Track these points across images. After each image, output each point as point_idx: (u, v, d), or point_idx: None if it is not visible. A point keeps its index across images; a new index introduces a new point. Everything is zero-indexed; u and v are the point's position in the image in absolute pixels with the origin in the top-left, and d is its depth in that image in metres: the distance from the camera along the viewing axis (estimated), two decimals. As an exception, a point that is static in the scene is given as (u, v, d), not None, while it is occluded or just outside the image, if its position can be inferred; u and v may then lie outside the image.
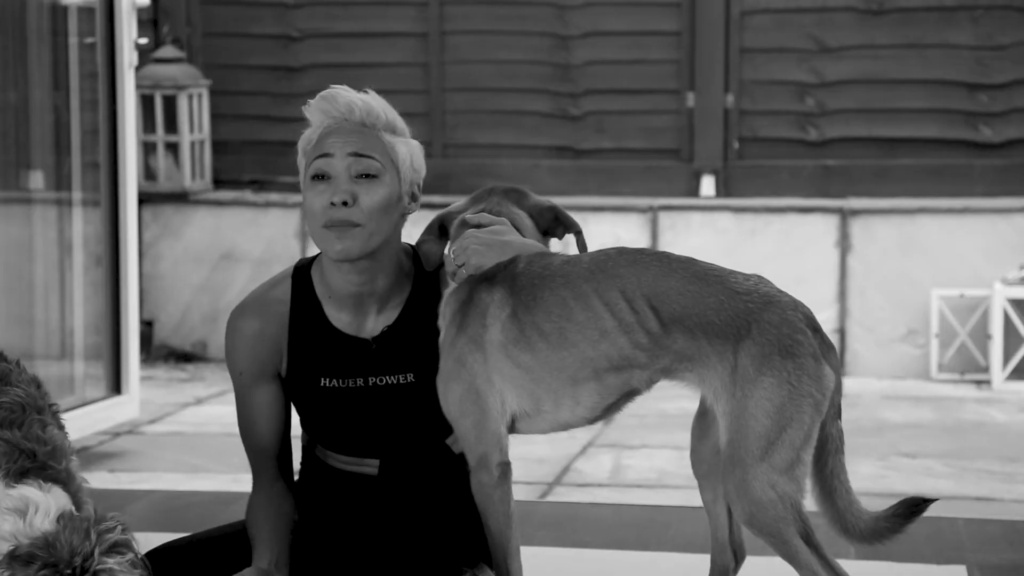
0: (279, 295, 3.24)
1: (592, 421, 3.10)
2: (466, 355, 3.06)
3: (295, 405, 3.29)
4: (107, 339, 6.31)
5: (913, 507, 3.01)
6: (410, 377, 3.21)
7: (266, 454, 3.27)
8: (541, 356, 3.02)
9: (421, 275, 3.25)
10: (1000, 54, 8.31)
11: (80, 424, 5.76)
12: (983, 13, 8.31)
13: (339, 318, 3.22)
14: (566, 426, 3.11)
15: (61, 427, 3.06)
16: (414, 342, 3.21)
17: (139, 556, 2.83)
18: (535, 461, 6.07)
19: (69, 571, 2.72)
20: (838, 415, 3.00)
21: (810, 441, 2.93)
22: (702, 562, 4.12)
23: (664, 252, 3.05)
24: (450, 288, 3.15)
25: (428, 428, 3.24)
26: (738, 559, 3.19)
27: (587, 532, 4.42)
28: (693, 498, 5.51)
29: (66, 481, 2.91)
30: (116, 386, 6.32)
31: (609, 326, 2.98)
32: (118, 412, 6.30)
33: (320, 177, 3.13)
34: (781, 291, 2.99)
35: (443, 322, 3.13)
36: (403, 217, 3.19)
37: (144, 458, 6.20)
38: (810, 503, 2.99)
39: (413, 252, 3.28)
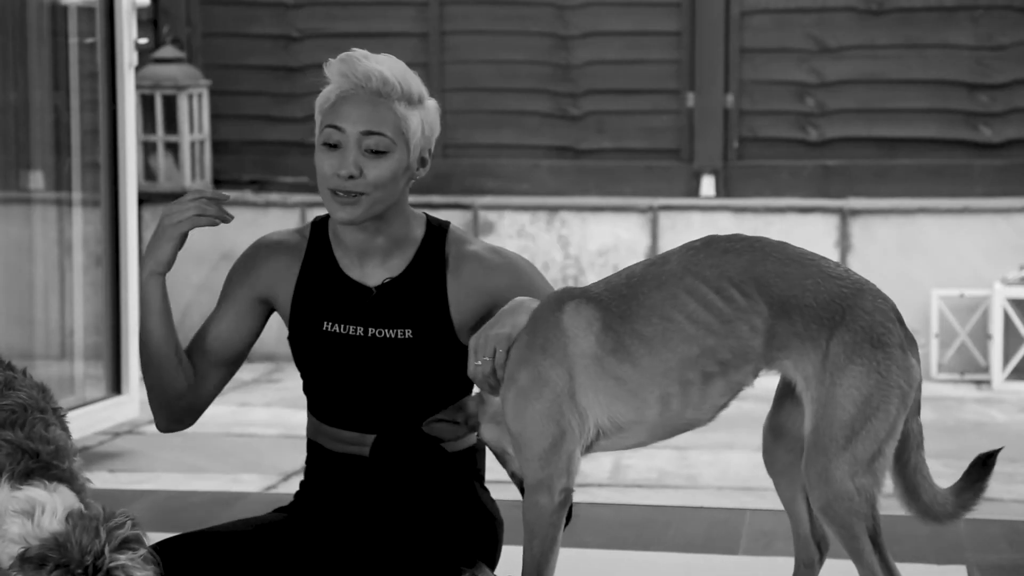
0: (301, 233, 3.38)
1: (705, 422, 3.01)
2: (547, 371, 2.98)
3: (299, 357, 3.36)
4: (107, 339, 6.31)
5: (983, 464, 3.02)
6: (408, 333, 3.26)
7: (197, 347, 3.42)
8: (654, 357, 2.93)
9: (429, 241, 3.30)
10: (1000, 54, 8.31)
11: (80, 424, 5.74)
12: (983, 13, 8.31)
13: (347, 263, 3.32)
14: (677, 430, 3.01)
15: (64, 428, 3.05)
16: (415, 299, 3.27)
17: (150, 550, 2.82)
18: (535, 461, 6.06)
19: (81, 571, 2.70)
20: (918, 411, 2.97)
21: (894, 434, 2.90)
22: (702, 562, 4.13)
23: (757, 237, 2.99)
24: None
25: (424, 397, 3.26)
26: (822, 550, 3.14)
27: (587, 532, 4.41)
28: (693, 498, 5.53)
29: (69, 481, 2.90)
30: (116, 386, 6.32)
31: (726, 313, 2.92)
32: (118, 412, 6.29)
33: (330, 144, 3.20)
34: (868, 280, 2.96)
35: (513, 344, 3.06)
36: (410, 181, 3.27)
37: (144, 458, 6.19)
38: (892, 503, 2.97)
39: (427, 220, 3.34)
